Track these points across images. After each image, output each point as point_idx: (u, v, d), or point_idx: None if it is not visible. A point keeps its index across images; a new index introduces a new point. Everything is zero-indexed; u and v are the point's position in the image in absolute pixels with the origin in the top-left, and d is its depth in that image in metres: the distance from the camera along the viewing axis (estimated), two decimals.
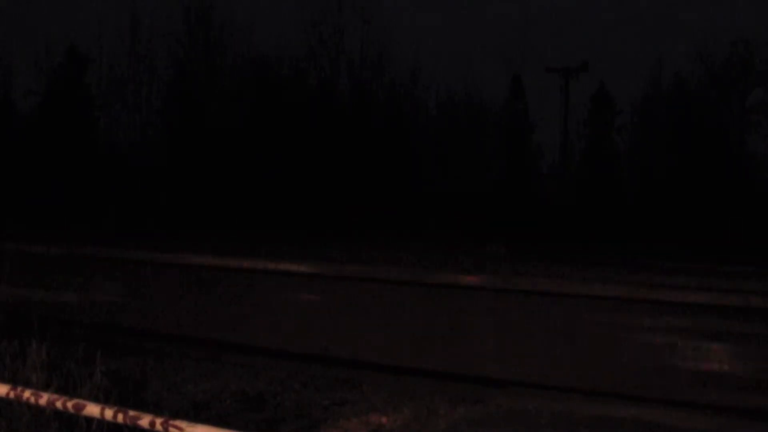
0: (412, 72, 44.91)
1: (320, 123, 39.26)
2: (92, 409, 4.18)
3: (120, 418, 4.00)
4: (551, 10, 68.13)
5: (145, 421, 3.91)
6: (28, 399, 4.49)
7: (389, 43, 45.69)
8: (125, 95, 43.01)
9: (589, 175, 42.47)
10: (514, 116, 44.37)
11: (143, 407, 4.94)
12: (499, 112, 45.33)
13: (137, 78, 42.91)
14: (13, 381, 5.80)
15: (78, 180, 37.16)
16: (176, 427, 3.79)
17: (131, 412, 3.98)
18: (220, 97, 41.75)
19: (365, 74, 43.99)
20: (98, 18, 59.79)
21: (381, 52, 44.00)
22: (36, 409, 5.69)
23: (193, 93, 40.90)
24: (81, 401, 4.29)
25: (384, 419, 7.49)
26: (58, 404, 4.30)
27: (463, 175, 42.23)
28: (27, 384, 5.73)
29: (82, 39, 52.21)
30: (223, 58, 42.88)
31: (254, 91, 40.82)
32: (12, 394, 4.56)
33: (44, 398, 4.40)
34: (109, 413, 4.07)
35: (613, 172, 43.31)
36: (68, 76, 41.39)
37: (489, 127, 45.29)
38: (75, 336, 8.99)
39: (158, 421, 3.87)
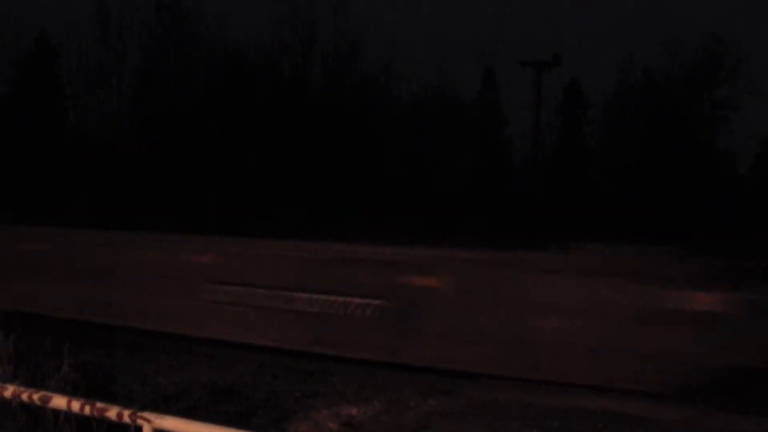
0: (384, 64, 44.81)
1: (292, 114, 39.09)
2: (59, 401, 4.14)
3: (87, 410, 3.97)
4: (524, 3, 68.34)
5: (112, 413, 3.88)
6: None
7: (362, 35, 45.41)
8: (95, 85, 42.45)
9: (559, 168, 42.71)
10: (487, 109, 44.48)
11: (113, 400, 4.91)
12: (472, 105, 45.37)
13: (108, 68, 42.34)
14: None
15: (46, 170, 36.63)
16: (144, 418, 3.77)
17: (98, 404, 3.95)
18: (192, 88, 41.35)
19: (338, 66, 43.80)
20: (68, 6, 59.06)
21: (354, 44, 43.84)
22: (2, 403, 5.62)
23: (165, 83, 40.48)
24: (47, 393, 4.25)
25: (354, 410, 7.51)
26: (24, 396, 4.25)
27: (435, 167, 42.22)
28: None
29: (52, 28, 51.39)
30: (195, 49, 42.48)
31: (226, 81, 40.52)
32: None
33: (9, 390, 4.35)
34: (76, 405, 4.03)
35: (584, 164, 43.61)
36: (37, 65, 40.75)
37: (461, 120, 45.31)
38: (43, 328, 8.89)
39: (126, 413, 3.84)
